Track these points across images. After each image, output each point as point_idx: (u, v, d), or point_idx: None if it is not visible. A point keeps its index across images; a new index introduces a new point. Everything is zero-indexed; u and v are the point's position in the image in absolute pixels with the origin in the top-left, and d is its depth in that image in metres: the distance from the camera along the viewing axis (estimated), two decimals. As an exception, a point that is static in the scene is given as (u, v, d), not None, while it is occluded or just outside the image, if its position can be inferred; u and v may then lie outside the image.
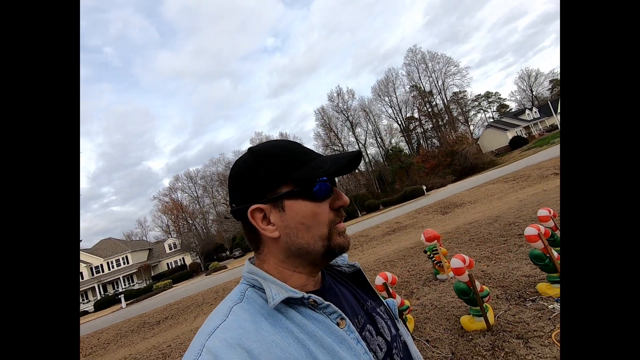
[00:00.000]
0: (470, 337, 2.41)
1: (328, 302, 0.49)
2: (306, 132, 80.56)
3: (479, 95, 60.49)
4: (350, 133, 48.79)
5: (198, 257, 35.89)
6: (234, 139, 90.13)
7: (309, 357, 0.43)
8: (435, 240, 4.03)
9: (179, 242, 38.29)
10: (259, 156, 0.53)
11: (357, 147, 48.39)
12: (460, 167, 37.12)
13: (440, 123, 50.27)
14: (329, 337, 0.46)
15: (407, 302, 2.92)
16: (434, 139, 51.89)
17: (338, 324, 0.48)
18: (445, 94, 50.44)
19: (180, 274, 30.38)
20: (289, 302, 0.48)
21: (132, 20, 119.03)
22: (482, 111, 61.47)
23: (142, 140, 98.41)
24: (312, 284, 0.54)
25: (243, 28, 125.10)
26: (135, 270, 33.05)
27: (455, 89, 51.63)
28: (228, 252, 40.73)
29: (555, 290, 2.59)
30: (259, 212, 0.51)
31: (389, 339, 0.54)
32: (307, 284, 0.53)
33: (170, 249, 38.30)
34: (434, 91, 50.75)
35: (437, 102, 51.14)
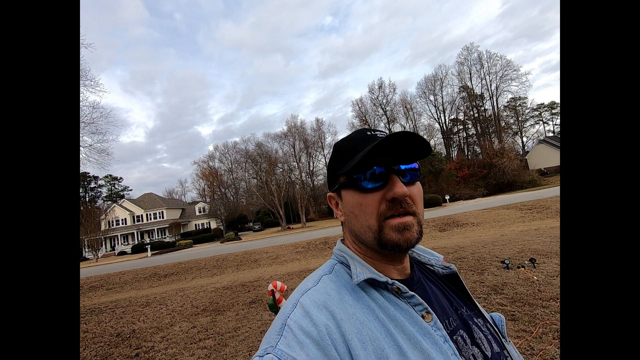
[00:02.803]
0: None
1: (413, 293, 0.48)
2: (348, 119, 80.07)
3: (541, 104, 54.27)
4: (386, 129, 47.58)
5: (222, 223, 39.10)
6: (277, 115, 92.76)
7: (389, 337, 0.43)
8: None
9: (207, 207, 41.94)
10: (334, 150, 0.58)
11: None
12: (495, 182, 34.63)
13: (489, 130, 46.54)
14: (411, 326, 0.44)
15: None
16: (476, 147, 48.42)
17: (423, 317, 0.46)
18: (496, 100, 46.20)
19: (202, 236, 33.71)
20: (373, 284, 0.49)
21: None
22: (541, 123, 55.33)
23: (196, 106, 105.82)
24: (395, 273, 0.53)
25: (305, 3, 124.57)
26: (167, 226, 37.30)
27: (510, 96, 46.95)
28: (251, 224, 43.70)
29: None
30: (332, 199, 0.58)
31: (488, 354, 0.48)
32: (386, 270, 0.52)
33: (200, 212, 42.19)
34: (485, 95, 46.73)
35: (487, 107, 47.17)
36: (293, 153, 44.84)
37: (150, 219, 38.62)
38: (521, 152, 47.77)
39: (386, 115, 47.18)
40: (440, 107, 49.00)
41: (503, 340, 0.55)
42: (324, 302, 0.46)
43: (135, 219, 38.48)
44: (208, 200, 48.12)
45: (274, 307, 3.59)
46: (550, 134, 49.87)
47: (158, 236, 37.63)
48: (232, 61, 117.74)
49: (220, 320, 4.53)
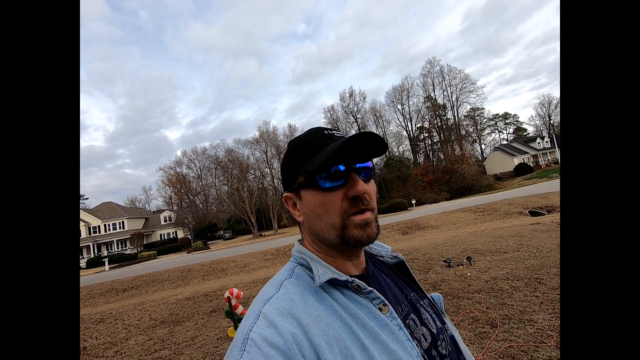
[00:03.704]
0: (227, 340, 3.32)
1: (371, 288, 0.51)
2: (322, 125, 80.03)
3: (496, 115, 59.48)
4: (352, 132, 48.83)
5: (190, 233, 37.45)
6: (251, 119, 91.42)
7: (352, 335, 0.45)
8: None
9: (174, 216, 39.98)
10: (290, 148, 0.58)
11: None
12: (456, 186, 37.11)
13: (452, 138, 49.89)
14: (371, 321, 0.47)
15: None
16: (440, 153, 51.58)
17: (380, 309, 0.49)
18: (457, 110, 49.85)
19: (168, 246, 32.04)
20: (334, 283, 0.51)
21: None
22: (497, 131, 60.55)
23: (163, 108, 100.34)
24: (353, 268, 0.55)
25: (277, 9, 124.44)
26: (129, 237, 34.92)
27: (469, 107, 50.97)
28: (222, 232, 42.25)
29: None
30: (289, 199, 0.57)
31: (434, 330, 0.54)
32: (345, 267, 0.54)
33: (165, 221, 40.09)
34: (447, 105, 50.20)
35: (449, 116, 50.64)
36: (265, 159, 44.46)
37: (109, 230, 35.90)
38: (479, 159, 51.79)
39: (357, 123, 48.66)
40: (408, 116, 51.76)
41: (442, 316, 0.61)
42: (289, 309, 0.46)
43: (91, 230, 35.55)
44: (175, 208, 45.81)
45: (230, 314, 3.72)
46: (505, 142, 54.62)
47: (118, 248, 35.05)
48: (202, 63, 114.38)
49: (178, 331, 4.52)
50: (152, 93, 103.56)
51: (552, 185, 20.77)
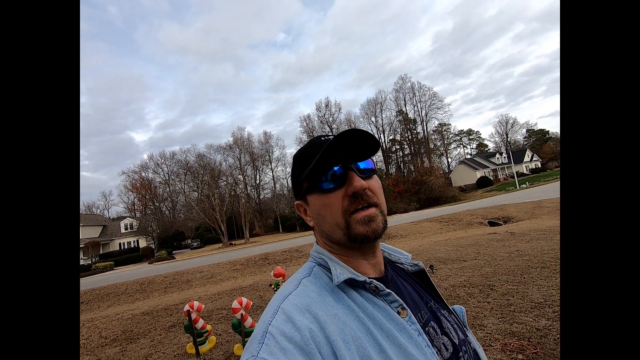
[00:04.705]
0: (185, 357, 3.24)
1: (389, 291, 0.51)
2: (296, 134, 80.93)
3: (461, 131, 63.82)
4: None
5: (153, 242, 35.11)
6: (225, 125, 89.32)
7: (369, 336, 0.45)
8: (281, 277, 4.67)
9: (136, 224, 37.32)
10: (294, 160, 0.61)
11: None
12: (425, 197, 38.87)
13: (421, 151, 52.43)
14: (388, 323, 0.47)
15: (208, 326, 3.54)
16: (410, 165, 53.91)
17: (399, 313, 0.49)
18: (426, 125, 52.73)
19: (128, 256, 29.73)
20: (351, 284, 0.51)
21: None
22: (462, 146, 64.83)
23: (129, 108, 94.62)
24: (370, 269, 0.56)
25: (258, 17, 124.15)
26: (82, 246, 31.89)
27: (437, 123, 54.21)
28: (189, 241, 40.11)
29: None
30: (300, 207, 0.60)
31: (456, 341, 0.53)
32: (361, 266, 0.55)
33: (126, 229, 37.26)
34: (417, 120, 52.94)
35: (419, 130, 53.39)
36: (239, 166, 43.42)
37: (60, 239, 32.52)
38: (446, 171, 54.92)
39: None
40: (381, 128, 53.64)
41: (465, 328, 0.60)
42: (307, 305, 0.46)
43: (38, 238, 31.96)
44: (138, 215, 42.89)
45: (190, 328, 3.52)
46: (469, 156, 58.53)
47: (69, 259, 31.76)
48: (176, 65, 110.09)
49: (131, 349, 4.18)
50: (118, 92, 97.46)
51: (509, 198, 22.51)
